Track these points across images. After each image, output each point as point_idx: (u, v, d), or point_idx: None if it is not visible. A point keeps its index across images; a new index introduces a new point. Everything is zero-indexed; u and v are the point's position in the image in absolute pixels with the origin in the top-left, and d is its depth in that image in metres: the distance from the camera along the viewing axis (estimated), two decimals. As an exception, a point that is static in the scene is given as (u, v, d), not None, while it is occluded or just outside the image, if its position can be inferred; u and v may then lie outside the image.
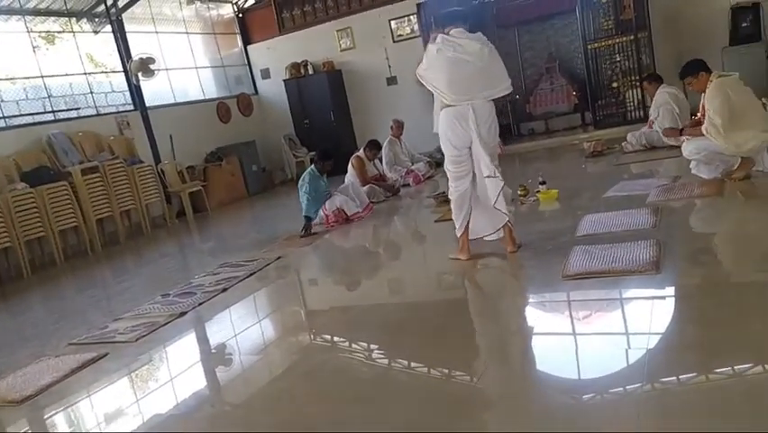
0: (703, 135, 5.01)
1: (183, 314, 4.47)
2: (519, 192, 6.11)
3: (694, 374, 2.40)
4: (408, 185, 8.53)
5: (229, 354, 3.80)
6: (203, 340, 4.19)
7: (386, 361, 3.22)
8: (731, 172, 5.05)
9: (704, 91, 5.06)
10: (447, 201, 4.56)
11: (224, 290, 4.90)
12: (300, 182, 7.00)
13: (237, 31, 12.59)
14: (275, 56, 12.20)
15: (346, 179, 7.93)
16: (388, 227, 6.72)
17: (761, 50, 8.51)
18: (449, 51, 4.03)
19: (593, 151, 7.81)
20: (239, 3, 12.46)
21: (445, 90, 4.09)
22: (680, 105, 7.02)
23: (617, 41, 9.38)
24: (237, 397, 3.16)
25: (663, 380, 2.41)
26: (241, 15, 12.55)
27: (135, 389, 3.55)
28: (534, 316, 3.55)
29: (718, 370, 2.41)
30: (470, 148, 4.19)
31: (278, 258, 5.68)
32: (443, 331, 3.38)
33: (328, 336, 3.71)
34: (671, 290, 3.31)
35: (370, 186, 7.75)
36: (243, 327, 4.22)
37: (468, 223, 4.32)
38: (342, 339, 3.60)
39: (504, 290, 4.02)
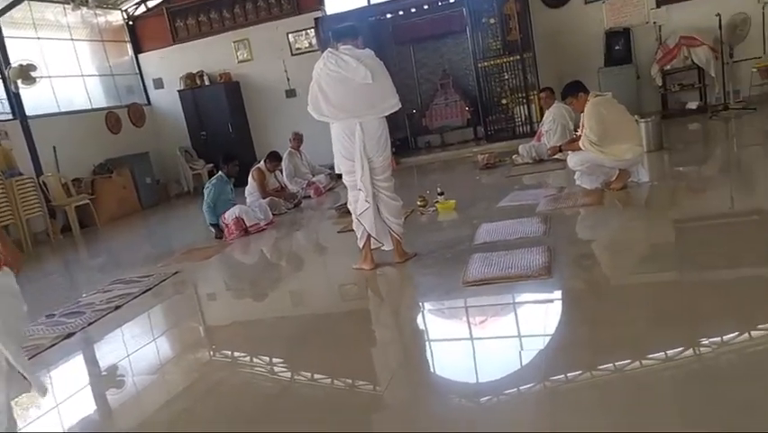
0: (580, 150, 5.36)
1: (71, 335, 4.16)
2: (419, 203, 6.23)
3: (582, 372, 2.52)
4: (310, 197, 8.46)
5: (121, 375, 3.57)
6: (92, 362, 3.90)
7: (288, 374, 3.14)
8: (610, 183, 5.41)
9: (583, 110, 5.42)
10: (349, 212, 4.56)
11: (117, 307, 4.61)
12: (205, 188, 6.81)
13: (127, 39, 12.00)
14: (169, 66, 11.74)
15: (246, 192, 7.75)
16: (291, 239, 6.61)
17: (632, 71, 9.22)
18: (332, 66, 4.04)
19: (486, 163, 8.10)
20: (128, 10, 11.89)
21: (331, 107, 4.08)
22: (572, 120, 7.43)
23: (505, 60, 9.81)
24: (130, 421, 2.96)
25: (555, 378, 2.51)
26: (131, 23, 11.99)
27: (17, 418, 3.23)
28: (438, 322, 3.60)
29: (602, 367, 2.54)
30: None
31: (176, 273, 5.43)
32: (346, 341, 3.36)
33: (228, 352, 3.58)
34: (561, 293, 3.47)
35: (270, 198, 7.60)
36: (138, 346, 3.97)
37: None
38: (243, 354, 3.47)
39: (407, 299, 4.04)
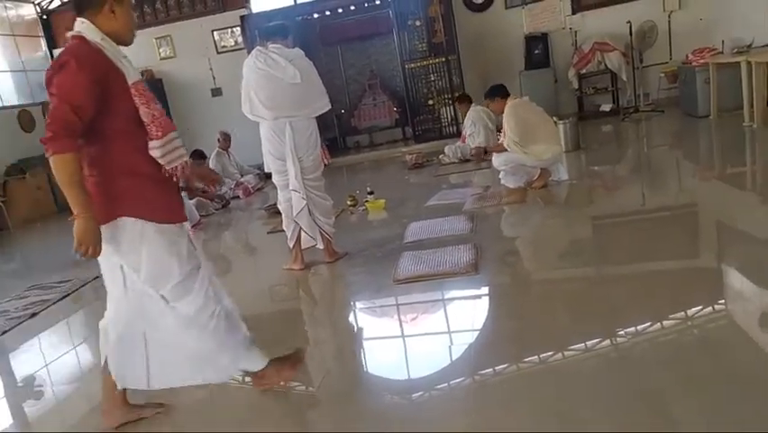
0: (506, 150, 5.52)
1: (-18, 346, 3.91)
2: (349, 202, 6.23)
3: (509, 365, 2.60)
4: (238, 197, 8.30)
5: (39, 385, 3.38)
6: (7, 373, 3.67)
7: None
8: (532, 182, 5.60)
9: (502, 113, 5.59)
10: (279, 213, 4.50)
11: (33, 315, 4.37)
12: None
13: (41, 33, 11.35)
14: (87, 62, 11.17)
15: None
16: (219, 241, 6.45)
17: (550, 74, 9.57)
18: (261, 65, 3.98)
19: (414, 163, 8.20)
20: (42, 4, 11.26)
21: (261, 106, 4.02)
22: (492, 121, 7.63)
23: (431, 62, 9.94)
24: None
25: (484, 372, 2.58)
26: (45, 17, 11.35)
27: None
28: (369, 320, 3.61)
29: (528, 360, 2.63)
30: None
31: (96, 277, 5.17)
32: (278, 341, 3.31)
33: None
34: (487, 289, 3.56)
35: (197, 199, 7.41)
36: (57, 354, 3.78)
37: (299, 233, 4.29)
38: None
39: (338, 298, 4.04)
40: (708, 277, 3.22)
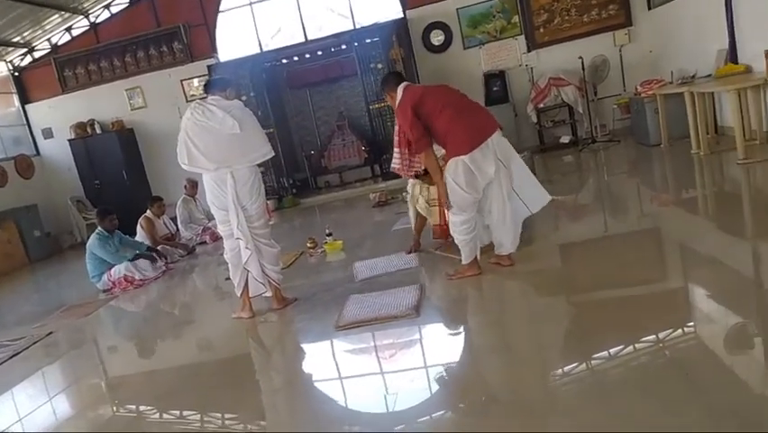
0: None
1: None
2: (308, 245, 6.13)
3: (445, 411, 2.49)
4: (206, 242, 8.17)
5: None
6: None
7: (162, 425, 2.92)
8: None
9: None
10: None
11: (-23, 376, 4.17)
12: (87, 245, 6.46)
13: (13, 90, 11.30)
14: (58, 115, 11.14)
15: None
16: (180, 289, 6.29)
17: (509, 109, 9.64)
18: (199, 117, 3.94)
19: (379, 201, 8.15)
20: (14, 61, 11.23)
21: (202, 157, 3.95)
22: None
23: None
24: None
25: (422, 420, 2.47)
26: (17, 74, 11.31)
27: None
28: (309, 366, 3.46)
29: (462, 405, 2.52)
30: None
31: (49, 333, 5.01)
32: (221, 390, 3.19)
33: (94, 414, 3.28)
34: (428, 332, 3.45)
35: (162, 247, 7.27)
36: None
37: (246, 281, 4.17)
38: (104, 414, 3.20)
39: (281, 345, 3.89)
40: (674, 300, 3.19)
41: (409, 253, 4.99)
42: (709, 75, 6.90)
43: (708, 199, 5.35)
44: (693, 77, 7.03)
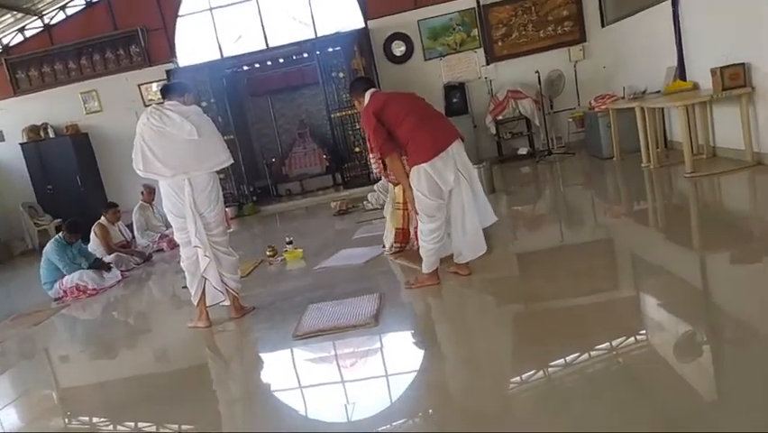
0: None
1: None
2: (268, 253, 6.06)
3: (407, 420, 2.48)
4: (162, 250, 7.99)
5: None
6: None
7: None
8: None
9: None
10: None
11: None
12: (44, 250, 6.25)
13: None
14: (10, 118, 10.73)
15: (89, 249, 7.14)
16: (135, 297, 6.12)
17: (469, 121, 9.76)
18: (156, 122, 3.86)
19: (339, 209, 8.12)
20: None
21: (158, 163, 3.87)
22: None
23: (356, 111, 9.88)
24: None
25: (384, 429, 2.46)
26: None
27: None
28: (269, 374, 3.41)
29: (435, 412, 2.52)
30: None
31: (-2, 343, 4.81)
32: (178, 401, 3.11)
33: (45, 426, 3.15)
34: (385, 341, 3.44)
35: (116, 254, 7.07)
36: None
37: (204, 289, 4.08)
38: (55, 426, 3.09)
39: (240, 354, 3.83)
40: (626, 308, 3.25)
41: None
42: (659, 91, 7.14)
43: (657, 211, 5.51)
44: (644, 92, 7.26)
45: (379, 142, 3.81)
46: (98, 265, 6.45)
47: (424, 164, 3.75)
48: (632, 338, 2.81)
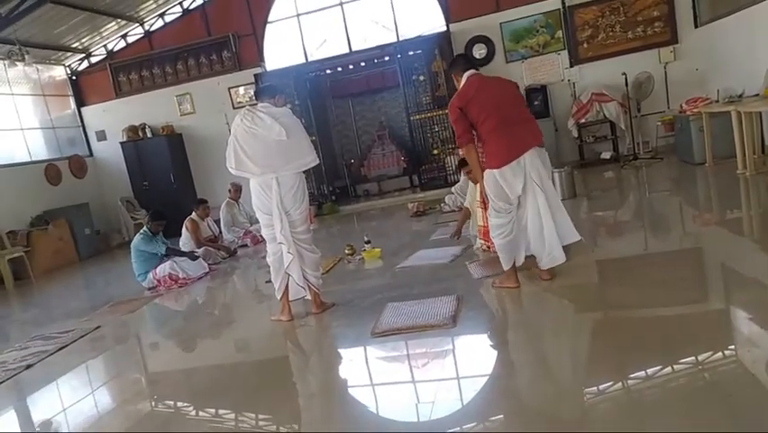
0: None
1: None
2: (347, 251, 6.18)
3: (476, 423, 2.48)
4: (246, 245, 8.32)
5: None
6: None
7: (199, 423, 2.99)
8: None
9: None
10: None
11: (29, 366, 4.33)
12: (132, 244, 6.65)
13: (70, 93, 11.76)
14: (111, 118, 11.54)
15: (181, 243, 7.58)
16: (218, 291, 6.41)
17: (550, 124, 9.56)
18: (248, 123, 4.03)
19: (416, 211, 8.17)
20: (71, 65, 11.69)
21: (249, 162, 4.04)
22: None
23: (435, 114, 10.02)
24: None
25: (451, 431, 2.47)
26: (74, 78, 11.77)
27: None
28: (346, 371, 3.49)
29: (494, 418, 2.51)
30: None
31: (97, 327, 5.18)
32: (257, 391, 3.25)
33: (133, 409, 3.38)
34: (463, 343, 3.44)
35: (205, 248, 7.44)
36: (44, 410, 3.71)
37: (287, 284, 4.24)
38: (142, 409, 3.30)
39: (319, 349, 3.93)
40: (715, 321, 3.11)
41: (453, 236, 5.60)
42: (757, 94, 6.72)
43: (753, 220, 5.20)
44: (741, 96, 6.85)
45: (458, 133, 3.93)
46: (171, 252, 6.70)
47: (493, 170, 3.80)
48: (719, 353, 2.67)
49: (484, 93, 3.86)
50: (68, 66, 11.68)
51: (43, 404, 3.81)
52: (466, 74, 3.99)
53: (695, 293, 3.58)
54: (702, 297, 3.55)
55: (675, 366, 2.60)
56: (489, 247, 5.00)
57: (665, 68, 9.27)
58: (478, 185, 4.60)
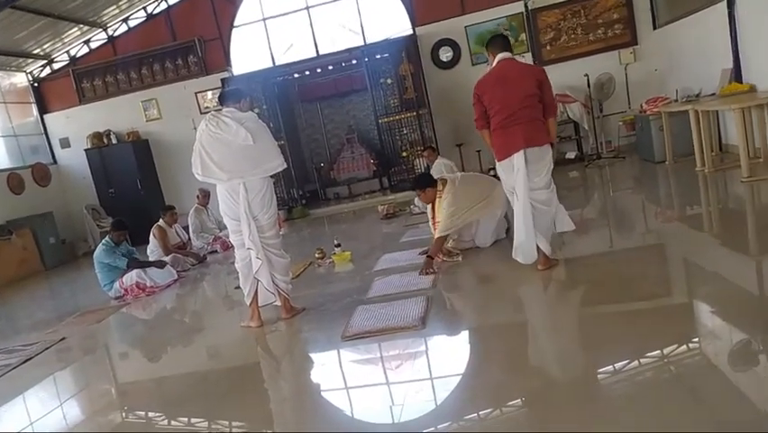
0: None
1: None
2: (317, 255, 6.14)
3: (451, 423, 2.46)
4: (216, 251, 8.20)
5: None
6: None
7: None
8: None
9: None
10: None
11: (-10, 380, 4.18)
12: (94, 255, 6.48)
13: (32, 100, 11.43)
14: (75, 125, 11.25)
15: (148, 250, 7.43)
16: (190, 297, 6.31)
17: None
18: (213, 128, 3.97)
19: (387, 213, 8.15)
20: (33, 72, 11.38)
21: (215, 167, 3.98)
22: (454, 172, 7.59)
23: (403, 116, 10.02)
24: None
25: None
26: (36, 84, 11.45)
27: None
28: (318, 374, 3.45)
29: (468, 417, 2.50)
30: None
31: (62, 339, 5.02)
32: (230, 397, 3.19)
33: (104, 420, 3.28)
34: (433, 344, 3.44)
35: (173, 255, 7.29)
36: (10, 426, 3.57)
37: (256, 290, 4.18)
38: (113, 419, 3.21)
39: (290, 354, 3.88)
40: (678, 315, 3.16)
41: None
42: (714, 94, 6.89)
43: (712, 216, 5.32)
44: (698, 95, 7.02)
45: (475, 116, 4.19)
46: (135, 265, 6.49)
47: (497, 161, 4.22)
48: (684, 346, 2.72)
49: (500, 88, 3.99)
50: (30, 72, 11.36)
51: (8, 419, 3.67)
52: (499, 56, 4.10)
53: (659, 288, 3.64)
54: (666, 291, 3.61)
55: (642, 360, 2.64)
56: (449, 251, 5.10)
57: (626, 69, 9.46)
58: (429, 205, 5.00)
